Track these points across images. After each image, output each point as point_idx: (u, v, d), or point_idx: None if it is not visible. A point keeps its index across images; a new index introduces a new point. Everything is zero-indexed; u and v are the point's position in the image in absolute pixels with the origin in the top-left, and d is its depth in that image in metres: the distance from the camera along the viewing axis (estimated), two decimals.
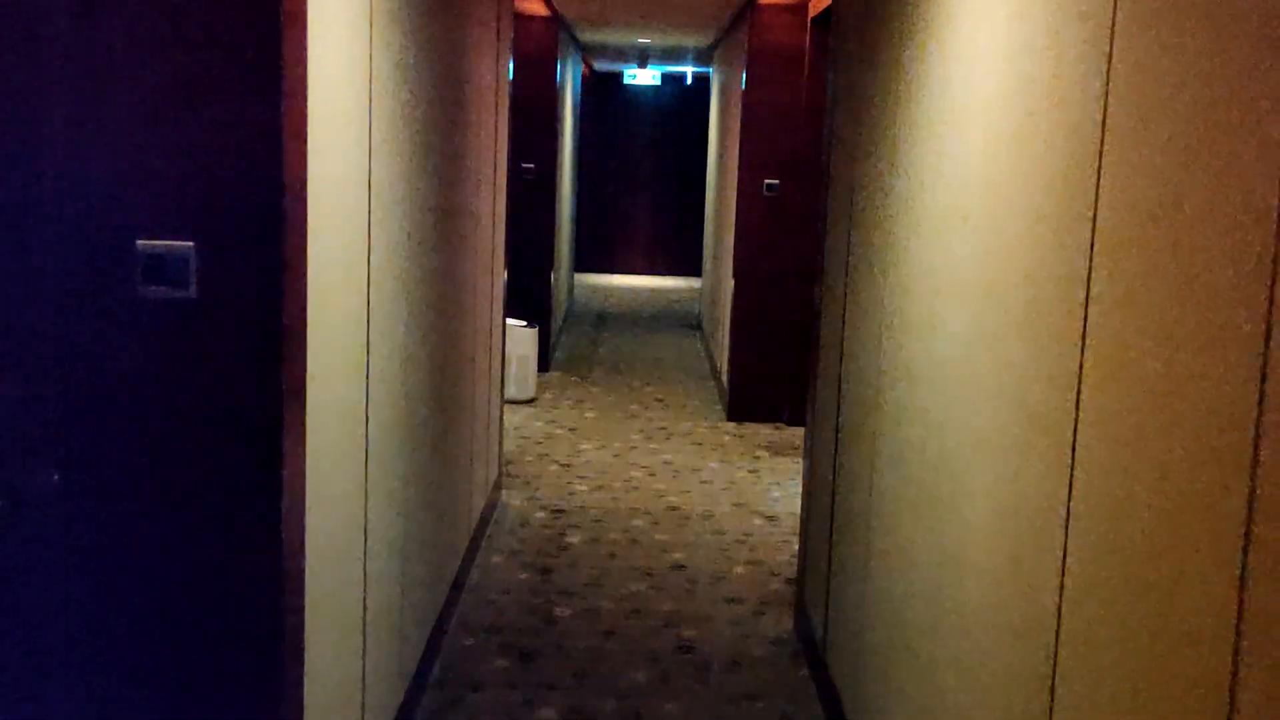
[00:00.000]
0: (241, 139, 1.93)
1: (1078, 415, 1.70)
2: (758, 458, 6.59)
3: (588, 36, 10.28)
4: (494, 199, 5.27)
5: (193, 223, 1.95)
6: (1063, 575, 1.73)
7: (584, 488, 5.88)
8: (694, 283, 14.80)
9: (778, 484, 6.08)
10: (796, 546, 5.02)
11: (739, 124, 7.51)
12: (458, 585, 4.26)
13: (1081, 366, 1.69)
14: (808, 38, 7.08)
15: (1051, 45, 1.90)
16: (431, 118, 3.45)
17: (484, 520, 5.07)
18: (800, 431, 7.09)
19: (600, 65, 14.42)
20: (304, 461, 2.11)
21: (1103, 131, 1.65)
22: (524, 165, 8.51)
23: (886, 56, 3.23)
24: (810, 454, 4.26)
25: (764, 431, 7.18)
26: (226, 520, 2.00)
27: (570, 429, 7.04)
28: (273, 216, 1.95)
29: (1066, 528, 1.72)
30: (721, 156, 9.24)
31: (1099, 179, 1.66)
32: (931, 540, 2.49)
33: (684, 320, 11.71)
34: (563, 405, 7.66)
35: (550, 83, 8.50)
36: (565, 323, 10.75)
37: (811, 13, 7.00)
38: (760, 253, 7.33)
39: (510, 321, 7.65)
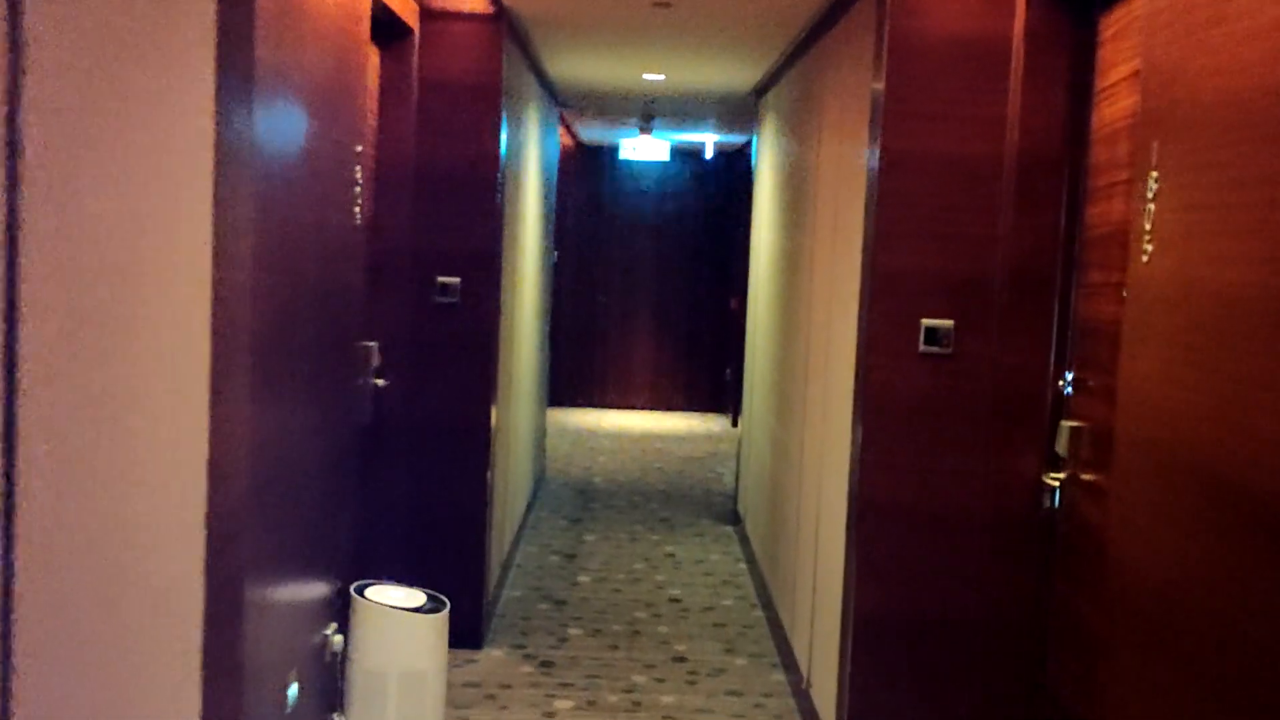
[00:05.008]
0: None
1: None
2: None
3: (562, 70, 6.55)
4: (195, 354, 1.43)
5: None
6: None
7: None
8: (715, 424, 10.95)
9: None
10: None
11: (863, 208, 3.70)
12: None
13: None
14: (1019, 19, 3.33)
15: None
16: None
17: None
18: None
19: (587, 134, 10.74)
20: None
21: None
22: (440, 282, 4.71)
23: None
24: None
25: None
26: None
27: None
28: None
29: None
30: (791, 267, 5.43)
31: None
32: None
33: (712, 502, 7.82)
34: None
35: (488, 138, 4.73)
36: (524, 527, 6.86)
37: None
38: (911, 474, 3.48)
39: (381, 597, 3.79)
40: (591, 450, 9.53)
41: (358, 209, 3.83)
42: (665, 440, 10.19)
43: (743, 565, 6.23)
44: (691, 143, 10.74)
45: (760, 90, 6.76)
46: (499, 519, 5.38)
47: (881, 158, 3.46)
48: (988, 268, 3.43)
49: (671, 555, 6.39)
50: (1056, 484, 3.28)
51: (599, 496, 7.81)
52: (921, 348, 3.46)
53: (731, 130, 9.51)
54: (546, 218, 7.71)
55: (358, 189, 3.82)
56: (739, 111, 8.01)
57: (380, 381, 4.52)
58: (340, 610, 3.69)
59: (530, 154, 6.30)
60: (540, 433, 7.92)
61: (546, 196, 7.64)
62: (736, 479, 7.32)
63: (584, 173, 11.65)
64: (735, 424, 10.64)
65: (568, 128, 10.26)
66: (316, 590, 3.45)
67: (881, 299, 3.48)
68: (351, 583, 3.86)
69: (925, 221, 3.45)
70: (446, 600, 3.93)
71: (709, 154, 11.00)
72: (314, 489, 3.37)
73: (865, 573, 3.53)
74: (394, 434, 4.64)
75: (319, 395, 3.43)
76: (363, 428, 4.41)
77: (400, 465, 4.69)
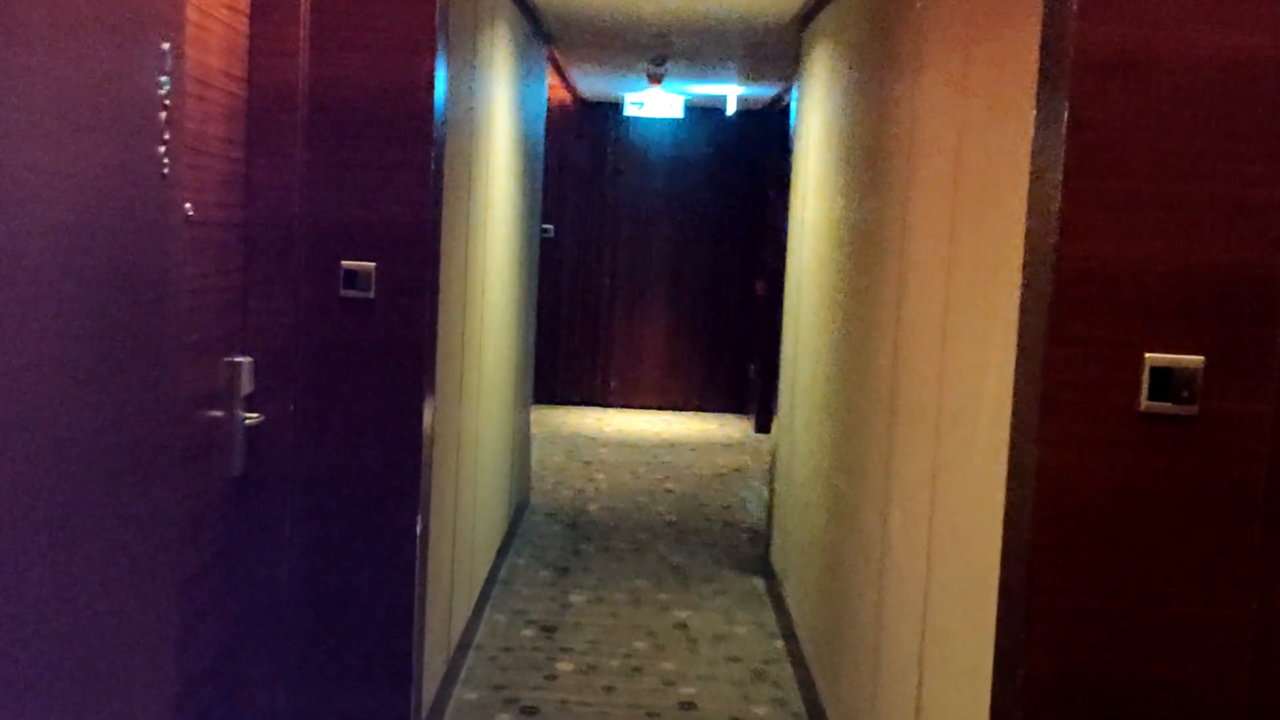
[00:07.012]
0: None
1: None
2: None
3: None
4: None
5: None
6: None
7: None
8: (735, 429, 9.44)
9: None
10: None
11: (1024, 157, 2.14)
12: None
13: None
14: None
15: None
16: None
17: None
18: None
19: (587, 86, 9.18)
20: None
21: None
22: (347, 268, 3.18)
23: None
24: None
25: None
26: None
27: None
28: None
29: None
30: (864, 250, 3.87)
31: None
32: None
33: (735, 541, 6.30)
34: None
35: (418, 56, 3.17)
36: (492, 582, 5.35)
37: None
38: (1115, 627, 1.95)
39: None
40: (589, 465, 8.00)
41: (164, 149, 2.30)
42: (678, 450, 8.65)
43: (779, 644, 4.71)
44: (710, 96, 9.16)
45: (806, 16, 5.19)
46: (441, 593, 3.88)
47: (1076, 62, 1.91)
48: (1269, 263, 1.89)
49: (684, 627, 4.87)
50: None
51: (594, 533, 6.28)
52: (1144, 404, 1.92)
53: (760, 79, 7.94)
54: (529, 182, 6.16)
55: (164, 115, 2.28)
56: (772, 51, 6.44)
57: (252, 416, 3.02)
58: None
59: (499, 95, 4.76)
60: (520, 449, 6.41)
61: (529, 155, 6.10)
62: (769, 514, 5.80)
63: (585, 133, 10.09)
64: (759, 429, 9.12)
65: (563, 77, 8.70)
66: None
67: (1068, 316, 1.93)
68: None
69: (1156, 178, 1.90)
70: None
71: (730, 110, 9.42)
72: (73, 615, 1.87)
73: None
74: (277, 490, 3.14)
75: (82, 458, 1.91)
76: (226, 486, 2.91)
77: (283, 533, 3.18)
